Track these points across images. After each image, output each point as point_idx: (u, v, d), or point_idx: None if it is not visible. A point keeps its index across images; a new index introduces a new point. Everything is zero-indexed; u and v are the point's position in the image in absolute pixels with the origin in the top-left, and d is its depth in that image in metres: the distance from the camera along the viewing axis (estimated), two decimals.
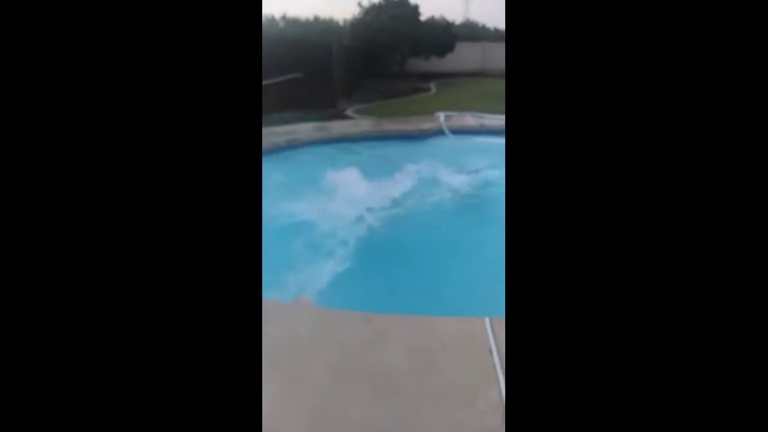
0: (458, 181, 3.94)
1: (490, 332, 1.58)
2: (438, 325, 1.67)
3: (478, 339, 1.56)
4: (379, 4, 14.87)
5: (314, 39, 9.91)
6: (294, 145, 5.09)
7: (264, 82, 6.39)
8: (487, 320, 1.64)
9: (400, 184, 3.78)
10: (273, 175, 3.71)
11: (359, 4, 15.29)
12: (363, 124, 6.29)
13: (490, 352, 1.49)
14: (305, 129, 5.73)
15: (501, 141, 5.45)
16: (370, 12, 14.97)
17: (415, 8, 15.08)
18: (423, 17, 15.47)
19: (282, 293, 1.92)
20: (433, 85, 12.54)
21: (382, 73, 15.08)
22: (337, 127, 6.04)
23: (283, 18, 17.18)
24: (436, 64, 16.71)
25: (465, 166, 4.16)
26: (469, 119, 6.38)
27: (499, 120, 6.07)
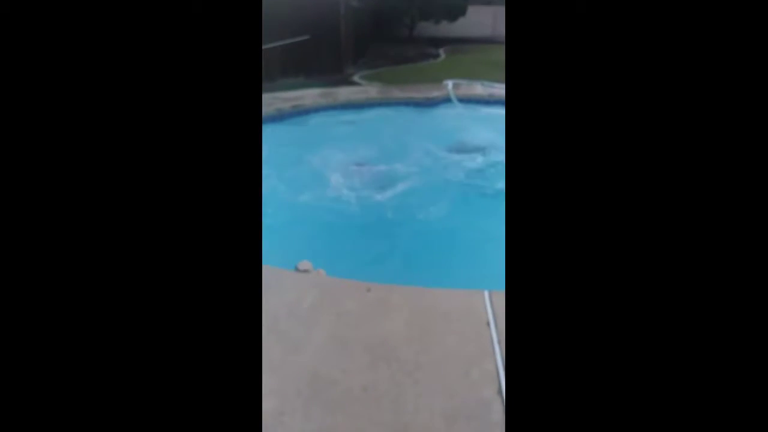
0: (460, 160, 3.85)
1: (489, 305, 1.60)
2: (438, 296, 1.70)
3: (476, 311, 1.58)
4: None
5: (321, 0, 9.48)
6: (299, 111, 4.99)
7: (269, 45, 6.19)
8: (486, 293, 1.66)
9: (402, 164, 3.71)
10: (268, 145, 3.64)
11: None
12: (370, 91, 6.12)
13: (488, 324, 1.51)
14: (311, 95, 5.60)
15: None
16: None
17: None
18: None
19: (283, 261, 1.94)
20: (442, 52, 12.09)
21: (390, 37, 14.50)
22: (344, 93, 5.89)
23: None
24: (446, 28, 16.00)
25: (468, 144, 4.03)
26: (479, 88, 6.18)
27: None
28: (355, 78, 7.38)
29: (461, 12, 15.62)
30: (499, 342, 1.42)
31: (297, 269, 1.91)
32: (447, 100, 5.70)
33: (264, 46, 6.52)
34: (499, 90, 5.95)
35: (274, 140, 3.78)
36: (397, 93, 5.93)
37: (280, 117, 4.76)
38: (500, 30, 19.10)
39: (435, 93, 5.81)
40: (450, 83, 6.12)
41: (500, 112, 5.31)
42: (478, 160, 3.81)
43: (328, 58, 7.84)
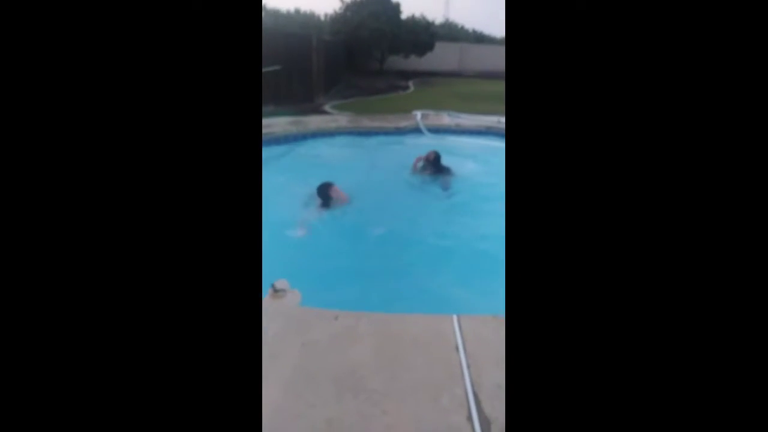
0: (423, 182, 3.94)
1: (458, 330, 1.59)
2: (406, 322, 1.67)
3: (445, 336, 1.57)
4: (361, 0, 14.77)
5: (294, 31, 9.74)
6: (268, 139, 4.98)
7: None
8: (454, 317, 1.65)
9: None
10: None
11: (341, 0, 15.16)
12: (340, 120, 6.23)
13: (457, 349, 1.50)
14: (281, 123, 5.62)
15: (476, 141, 5.54)
16: (351, 7, 14.86)
17: (396, 6, 15.08)
18: (404, 15, 15.50)
19: None
20: (411, 84, 12.59)
21: (361, 69, 15.01)
22: (314, 121, 5.96)
23: (264, 9, 16.79)
24: (415, 62, 16.79)
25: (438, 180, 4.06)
26: (446, 119, 6.43)
27: (474, 120, 6.16)
28: (326, 107, 7.51)
29: (429, 47, 16.50)
30: (469, 366, 1.41)
31: (274, 288, 1.83)
32: (416, 129, 5.89)
33: None
34: (465, 120, 6.22)
35: None
36: (367, 122, 6.06)
37: None
38: (466, 65, 20.22)
39: (404, 123, 5.99)
40: (419, 114, 6.34)
41: (466, 140, 5.54)
42: (442, 180, 3.91)
43: (300, 88, 7.97)
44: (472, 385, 1.32)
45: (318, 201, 3.01)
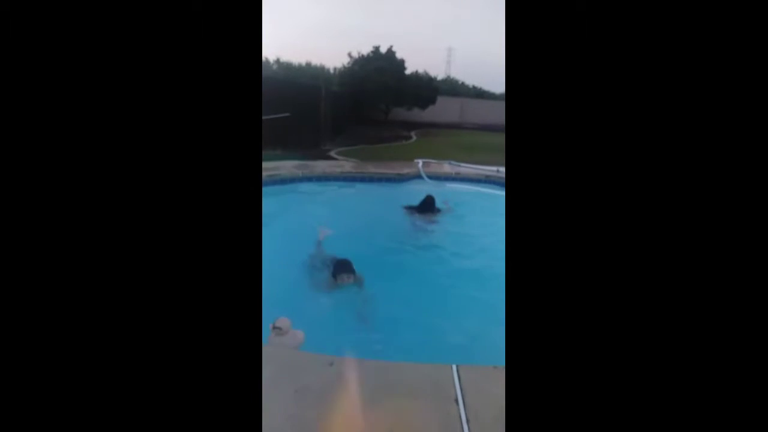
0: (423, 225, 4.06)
1: (457, 380, 1.54)
2: (403, 371, 1.62)
3: (444, 387, 1.51)
4: (368, 55, 15.80)
5: (304, 82, 10.29)
6: (274, 181, 5.10)
7: None
8: (453, 367, 1.60)
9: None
10: None
11: (349, 54, 16.21)
12: (345, 165, 6.41)
13: (456, 401, 1.44)
14: (288, 166, 5.79)
15: (475, 188, 5.68)
16: (358, 62, 15.85)
17: (401, 62, 16.08)
18: (408, 71, 16.48)
19: None
20: (414, 134, 13.08)
21: (367, 119, 15.69)
22: (320, 166, 6.13)
23: (277, 62, 17.94)
24: (418, 114, 17.58)
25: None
26: (446, 167, 6.62)
27: (474, 169, 6.33)
28: (332, 153, 7.75)
29: (432, 101, 17.35)
30: (468, 420, 1.35)
31: (274, 326, 1.79)
32: (417, 176, 6.04)
33: None
34: (465, 169, 6.40)
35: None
36: (371, 168, 6.23)
37: None
38: (466, 118, 21.08)
39: (406, 170, 6.16)
40: (420, 162, 6.54)
41: (465, 187, 5.69)
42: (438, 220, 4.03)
43: (308, 135, 8.29)
44: None
45: (330, 277, 2.67)
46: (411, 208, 4.23)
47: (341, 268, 2.61)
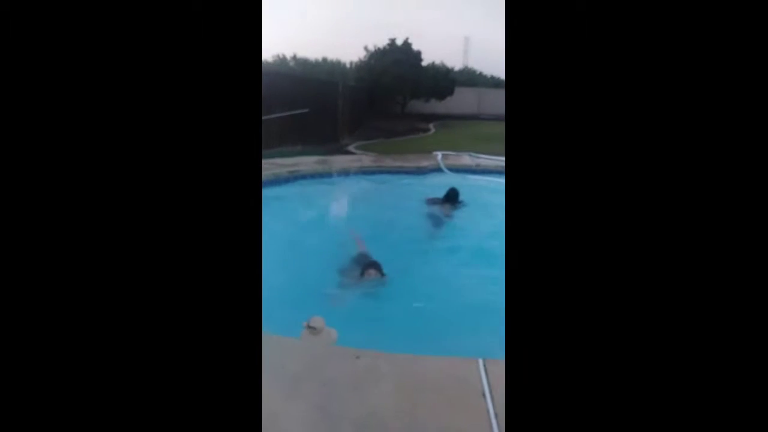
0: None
1: (484, 375, 1.53)
2: (430, 365, 1.62)
3: (471, 381, 1.50)
4: (384, 48, 15.68)
5: (321, 78, 10.35)
6: (295, 176, 5.17)
7: (271, 116, 6.59)
8: (480, 361, 1.59)
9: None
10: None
11: (365, 48, 16.14)
12: (364, 160, 6.42)
13: (484, 395, 1.43)
14: (308, 162, 5.84)
15: (496, 179, 5.60)
16: (375, 56, 15.76)
17: (418, 54, 15.90)
18: (425, 62, 16.28)
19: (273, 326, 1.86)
20: (432, 126, 12.96)
21: (384, 112, 15.64)
22: (339, 161, 6.16)
23: (294, 58, 18.05)
24: (435, 106, 17.39)
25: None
26: (466, 159, 6.53)
27: (494, 161, 6.22)
28: (351, 148, 7.77)
29: (449, 92, 17.10)
30: (496, 415, 1.34)
31: (308, 326, 1.81)
32: (436, 169, 5.98)
33: (265, 117, 6.93)
34: (485, 160, 6.29)
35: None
36: (389, 162, 6.22)
37: (277, 181, 4.92)
38: (484, 108, 20.73)
39: (425, 162, 6.11)
40: (439, 154, 6.47)
41: (486, 179, 5.60)
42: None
43: (326, 130, 8.34)
44: None
45: (357, 273, 2.72)
46: (434, 201, 4.22)
47: (371, 265, 2.70)
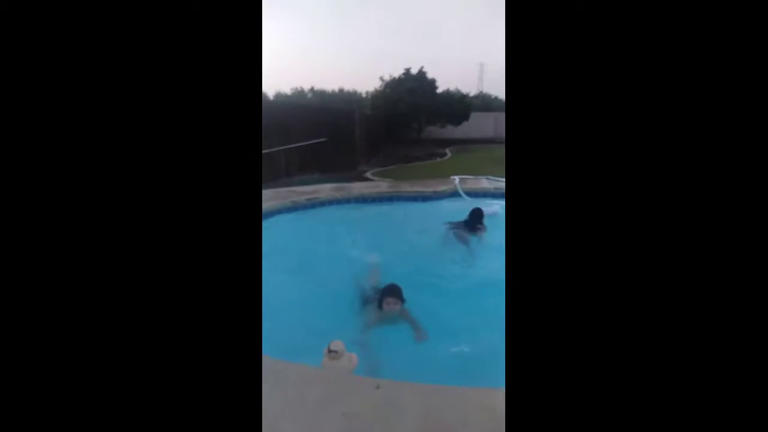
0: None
1: None
2: (452, 395, 1.56)
3: (496, 412, 1.43)
4: (399, 78, 16.16)
5: (338, 108, 10.70)
6: (314, 204, 5.24)
7: (289, 146, 6.79)
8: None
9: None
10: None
11: (381, 78, 16.67)
12: (381, 186, 6.48)
13: None
14: (326, 189, 5.94)
15: None
16: (390, 85, 16.24)
17: (432, 81, 16.28)
18: (440, 89, 16.62)
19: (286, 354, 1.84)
20: (449, 151, 13.05)
21: (401, 139, 15.92)
22: (357, 187, 6.24)
23: (311, 90, 18.81)
24: (451, 131, 17.58)
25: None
26: (484, 183, 6.50)
27: None
28: (368, 174, 7.88)
29: (465, 117, 17.32)
30: None
31: (329, 350, 1.78)
32: (454, 193, 5.97)
33: (284, 147, 7.14)
34: (503, 183, 6.24)
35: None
36: (407, 187, 6.25)
37: (295, 208, 5.00)
38: (500, 132, 20.80)
39: (442, 187, 6.11)
40: (457, 179, 6.47)
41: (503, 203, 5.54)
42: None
43: (344, 158, 8.51)
44: None
45: (376, 307, 2.48)
46: (457, 225, 4.18)
47: (388, 292, 2.42)
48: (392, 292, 2.41)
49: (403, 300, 2.41)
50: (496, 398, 1.49)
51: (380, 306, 2.41)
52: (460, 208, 4.67)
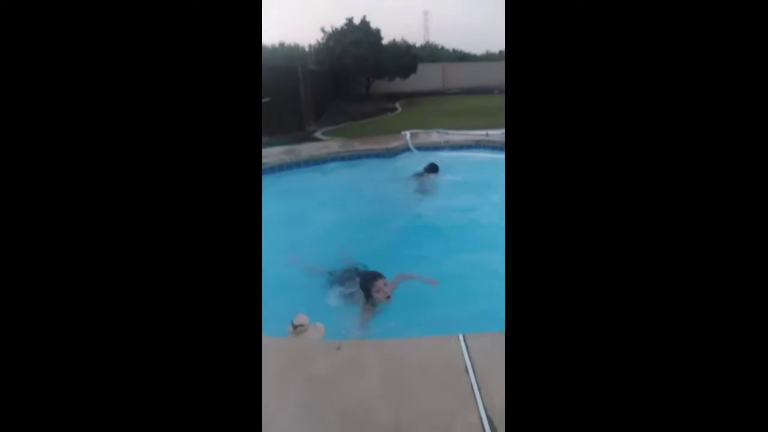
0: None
1: (465, 350, 1.54)
2: (411, 346, 1.62)
3: (453, 358, 1.52)
4: (342, 29, 15.22)
5: (280, 64, 9.98)
6: (264, 170, 5.01)
7: None
8: (460, 337, 1.61)
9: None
10: None
11: (322, 29, 15.61)
12: (332, 146, 6.29)
13: (466, 371, 1.45)
14: (274, 153, 5.66)
15: (464, 155, 5.64)
16: (333, 37, 15.29)
17: (377, 32, 15.54)
18: (385, 41, 15.95)
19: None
20: (398, 105, 12.83)
21: (348, 95, 15.32)
22: (306, 149, 6.01)
23: None
24: (400, 84, 17.17)
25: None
26: (435, 136, 6.51)
27: (462, 136, 6.24)
28: (318, 134, 7.60)
29: (412, 69, 16.93)
30: (480, 389, 1.36)
31: (293, 326, 1.77)
32: (406, 149, 5.94)
33: None
34: (454, 136, 6.30)
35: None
36: (358, 146, 6.12)
37: None
38: (450, 83, 20.73)
39: (394, 143, 6.05)
40: (408, 133, 6.42)
41: (455, 154, 5.63)
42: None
43: (290, 118, 8.08)
44: (485, 410, 1.27)
45: (361, 295, 2.29)
46: (418, 174, 4.61)
47: (375, 277, 2.23)
48: (376, 276, 2.23)
49: (386, 282, 2.22)
50: (453, 344, 1.58)
51: (368, 296, 2.21)
52: (412, 165, 4.71)
